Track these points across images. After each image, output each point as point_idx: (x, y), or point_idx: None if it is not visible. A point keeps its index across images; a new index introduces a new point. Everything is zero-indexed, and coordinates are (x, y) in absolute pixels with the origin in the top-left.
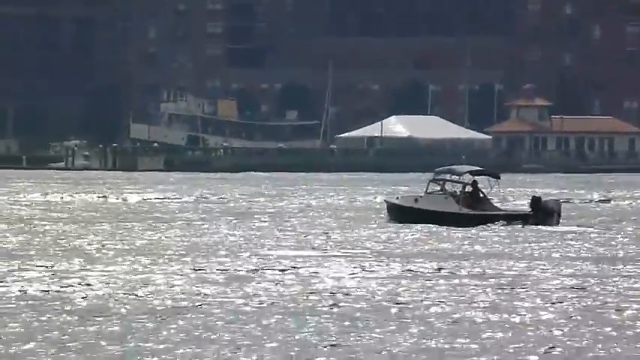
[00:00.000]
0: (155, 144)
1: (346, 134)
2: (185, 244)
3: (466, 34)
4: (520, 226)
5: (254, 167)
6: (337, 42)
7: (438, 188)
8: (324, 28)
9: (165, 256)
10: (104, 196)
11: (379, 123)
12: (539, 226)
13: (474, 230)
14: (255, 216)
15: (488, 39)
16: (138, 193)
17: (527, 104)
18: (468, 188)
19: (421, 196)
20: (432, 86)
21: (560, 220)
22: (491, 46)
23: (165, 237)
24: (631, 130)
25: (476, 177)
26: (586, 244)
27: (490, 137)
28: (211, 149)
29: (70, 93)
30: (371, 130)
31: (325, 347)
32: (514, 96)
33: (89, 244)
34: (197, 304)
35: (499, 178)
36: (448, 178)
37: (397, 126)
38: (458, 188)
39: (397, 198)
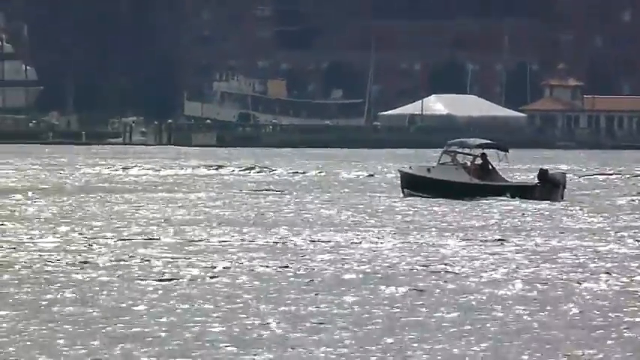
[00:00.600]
0: (208, 121)
1: (389, 112)
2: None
3: (503, 17)
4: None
5: (302, 143)
6: (380, 24)
7: (450, 160)
8: (367, 10)
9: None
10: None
11: (420, 101)
12: (545, 199)
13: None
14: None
15: (524, 21)
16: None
17: (560, 84)
18: (478, 160)
19: (433, 167)
20: (470, 66)
21: (565, 192)
22: (526, 28)
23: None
24: None
25: (485, 150)
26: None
27: (525, 115)
28: (261, 126)
29: (128, 72)
30: (412, 108)
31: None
32: (548, 76)
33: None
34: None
35: (507, 151)
36: (459, 150)
37: (437, 104)
38: (468, 160)
39: (410, 168)
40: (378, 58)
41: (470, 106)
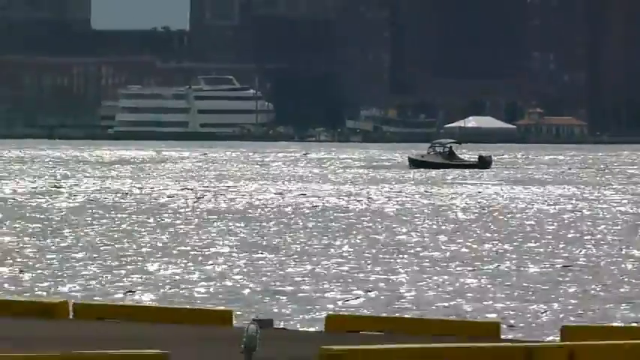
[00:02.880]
0: (358, 130)
1: (448, 125)
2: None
3: (501, 79)
4: (475, 168)
5: (404, 141)
6: (445, 81)
7: (432, 150)
8: (439, 74)
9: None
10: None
11: (463, 120)
12: (483, 169)
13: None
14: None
15: (513, 80)
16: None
17: (532, 111)
18: (446, 150)
19: (425, 154)
20: (487, 102)
21: (492, 166)
22: (514, 85)
23: None
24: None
25: (452, 144)
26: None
27: (515, 127)
28: (384, 132)
29: (315, 103)
30: (459, 123)
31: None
32: (527, 108)
33: None
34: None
35: (461, 144)
36: (437, 145)
37: (471, 122)
38: (441, 150)
39: (412, 154)
40: (446, 98)
41: (488, 122)
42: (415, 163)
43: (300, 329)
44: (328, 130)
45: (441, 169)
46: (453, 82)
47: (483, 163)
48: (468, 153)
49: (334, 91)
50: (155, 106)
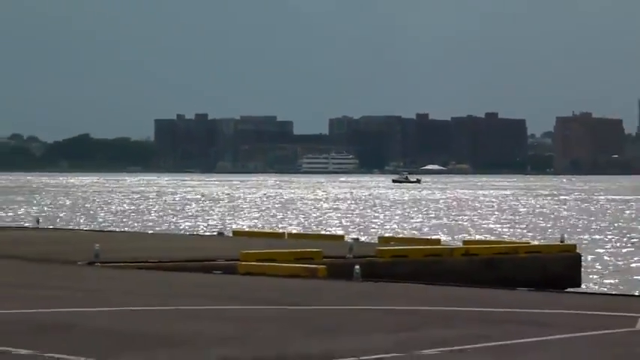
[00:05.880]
0: (391, 168)
1: (421, 167)
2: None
3: (442, 153)
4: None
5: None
6: (422, 156)
7: (400, 176)
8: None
9: None
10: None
11: (427, 166)
12: (418, 184)
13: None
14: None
15: (446, 155)
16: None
17: (451, 162)
18: (406, 176)
19: (397, 177)
20: (435, 161)
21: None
22: (446, 155)
23: None
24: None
25: (407, 174)
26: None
27: (446, 168)
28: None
29: (374, 159)
30: (426, 167)
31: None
32: (450, 162)
33: None
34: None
35: (411, 174)
36: (402, 174)
37: (429, 166)
38: (403, 176)
39: (394, 177)
40: (422, 160)
41: (435, 167)
42: (394, 181)
43: (368, 241)
44: (380, 169)
45: (403, 183)
46: (426, 156)
47: (418, 181)
48: (413, 177)
49: (382, 155)
50: (315, 162)
